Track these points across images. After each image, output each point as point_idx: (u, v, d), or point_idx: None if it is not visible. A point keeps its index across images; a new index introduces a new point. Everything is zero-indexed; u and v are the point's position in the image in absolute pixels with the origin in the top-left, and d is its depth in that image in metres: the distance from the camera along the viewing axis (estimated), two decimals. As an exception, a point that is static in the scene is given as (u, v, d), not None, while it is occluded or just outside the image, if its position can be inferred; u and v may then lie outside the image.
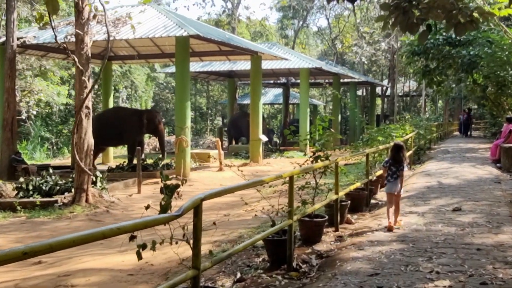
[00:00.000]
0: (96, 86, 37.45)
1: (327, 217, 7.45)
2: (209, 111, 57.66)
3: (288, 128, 7.54)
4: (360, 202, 9.61)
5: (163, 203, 3.81)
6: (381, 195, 11.18)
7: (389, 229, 7.59)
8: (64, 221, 11.91)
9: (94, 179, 14.60)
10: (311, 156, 7.33)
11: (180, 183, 4.15)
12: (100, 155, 24.22)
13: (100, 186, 14.65)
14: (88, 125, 13.31)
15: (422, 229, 7.48)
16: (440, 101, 50.07)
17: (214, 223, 5.67)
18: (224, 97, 45.86)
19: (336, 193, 7.79)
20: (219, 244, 8.07)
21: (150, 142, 37.22)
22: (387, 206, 8.01)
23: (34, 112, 29.11)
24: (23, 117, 28.93)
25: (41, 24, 12.86)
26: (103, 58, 12.81)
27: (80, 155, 13.15)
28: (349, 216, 8.71)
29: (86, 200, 13.26)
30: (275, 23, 61.26)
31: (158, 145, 30.88)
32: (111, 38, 18.59)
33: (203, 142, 42.97)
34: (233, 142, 32.57)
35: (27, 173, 17.82)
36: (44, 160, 27.28)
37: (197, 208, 3.85)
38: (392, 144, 9.02)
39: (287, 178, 5.79)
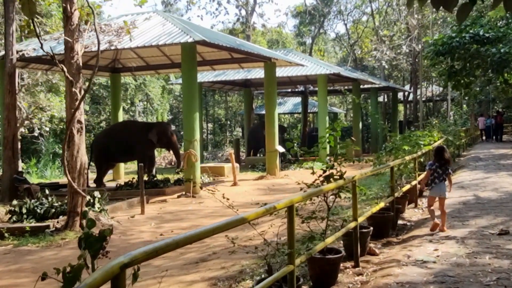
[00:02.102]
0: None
1: (343, 252, 5.80)
2: (228, 122, 56.48)
3: (291, 140, 6.03)
4: (385, 226, 7.98)
5: (68, 269, 2.38)
6: (409, 213, 9.66)
7: (433, 228, 7.85)
8: (53, 249, 10.68)
9: (91, 200, 13.39)
10: (320, 175, 5.87)
11: (108, 229, 2.73)
12: (111, 171, 23.17)
13: (98, 208, 13.39)
14: (81, 142, 12.08)
15: (465, 263, 5.88)
16: (464, 105, 48.16)
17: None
18: (243, 108, 44.65)
19: (355, 219, 6.22)
20: (215, 283, 6.69)
21: (166, 156, 36.13)
22: (428, 208, 8.31)
23: (47, 129, 28.13)
24: (36, 134, 28.02)
25: (26, 32, 11.77)
26: (94, 67, 11.55)
27: (72, 174, 11.91)
28: (372, 245, 7.10)
29: (80, 225, 12.01)
30: (292, 31, 59.96)
31: (173, 159, 29.85)
32: (112, 48, 17.73)
33: (221, 154, 41.81)
34: (251, 154, 31.21)
35: (30, 194, 16.69)
36: (55, 177, 26.19)
37: (116, 281, 2.40)
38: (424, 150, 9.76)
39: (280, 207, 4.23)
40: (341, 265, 5.96)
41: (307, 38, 55.71)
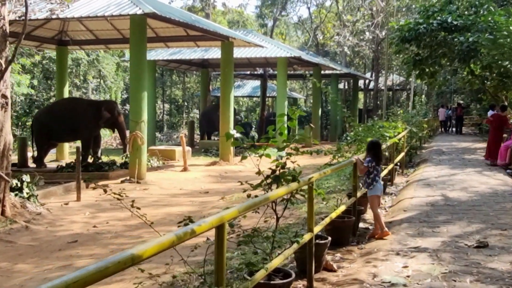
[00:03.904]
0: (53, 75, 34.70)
1: (293, 275, 4.50)
2: (185, 104, 54.98)
3: (240, 125, 4.76)
4: (345, 233, 6.77)
5: None
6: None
7: (381, 235, 7.15)
8: (-33, 243, 9.26)
9: (19, 185, 11.99)
10: (268, 176, 4.62)
11: None
12: (54, 151, 21.57)
13: (27, 193, 11.99)
14: (5, 119, 10.65)
15: (442, 288, 4.81)
16: (423, 96, 47.82)
17: None
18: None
19: (310, 229, 5.00)
20: (139, 299, 5.46)
21: (116, 136, 34.59)
22: (377, 212, 7.33)
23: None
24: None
25: None
26: (20, 35, 10.10)
27: (-7, 156, 10.47)
28: (329, 258, 5.91)
29: (2, 213, 10.61)
30: (253, 12, 58.61)
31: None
32: (54, 16, 16.21)
33: (176, 136, 40.54)
34: (205, 137, 29.95)
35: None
36: None
37: None
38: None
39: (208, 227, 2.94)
40: (292, 286, 4.77)
41: (268, 21, 54.48)
